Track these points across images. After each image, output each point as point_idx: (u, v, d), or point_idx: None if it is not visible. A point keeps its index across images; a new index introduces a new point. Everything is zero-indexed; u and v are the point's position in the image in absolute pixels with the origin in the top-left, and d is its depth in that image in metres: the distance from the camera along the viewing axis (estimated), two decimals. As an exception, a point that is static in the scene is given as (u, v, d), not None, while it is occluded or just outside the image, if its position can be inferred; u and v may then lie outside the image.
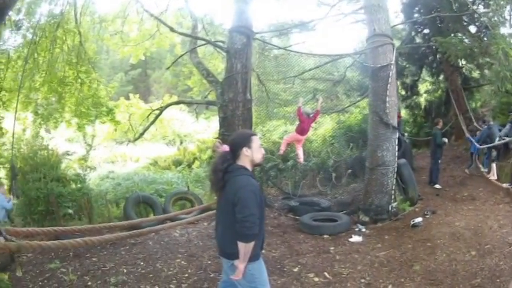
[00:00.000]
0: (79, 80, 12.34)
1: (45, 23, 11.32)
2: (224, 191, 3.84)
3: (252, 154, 3.87)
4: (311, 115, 10.08)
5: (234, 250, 3.67)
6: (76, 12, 11.85)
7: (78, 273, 7.20)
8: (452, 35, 12.40)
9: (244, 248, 3.61)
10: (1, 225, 9.13)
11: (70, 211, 10.28)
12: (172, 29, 12.68)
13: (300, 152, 10.47)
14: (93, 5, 13.77)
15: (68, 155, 12.31)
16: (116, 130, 16.01)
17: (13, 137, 7.91)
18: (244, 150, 3.83)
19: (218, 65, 15.92)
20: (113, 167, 19.66)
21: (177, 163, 20.66)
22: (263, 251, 4.20)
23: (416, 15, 16.09)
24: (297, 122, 10.48)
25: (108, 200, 11.54)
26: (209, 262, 7.47)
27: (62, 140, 18.05)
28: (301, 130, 10.13)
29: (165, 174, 16.51)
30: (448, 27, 13.74)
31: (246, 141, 3.86)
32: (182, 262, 7.60)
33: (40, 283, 6.86)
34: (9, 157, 10.97)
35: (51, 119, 12.62)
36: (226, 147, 4.19)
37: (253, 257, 3.79)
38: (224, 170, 3.82)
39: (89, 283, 6.79)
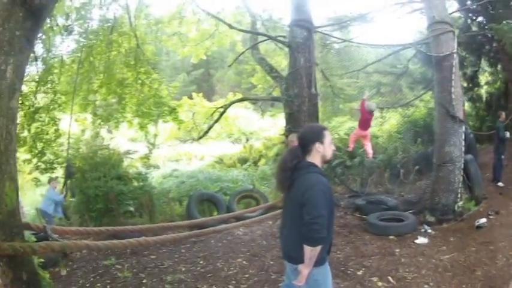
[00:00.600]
0: (139, 81, 12.48)
1: (98, 27, 11.54)
2: (292, 189, 3.53)
3: (324, 150, 3.54)
4: (373, 111, 9.66)
5: (299, 254, 3.37)
6: (130, 16, 11.97)
7: (134, 270, 7.26)
8: (505, 22, 11.47)
9: (310, 252, 3.30)
10: (48, 220, 9.40)
11: (131, 208, 10.46)
12: (231, 26, 12.58)
13: (368, 147, 10.02)
14: (147, 8, 13.87)
15: (130, 154, 12.53)
16: (179, 129, 16.12)
17: (69, 138, 8.05)
18: (317, 145, 3.51)
19: (281, 62, 15.61)
20: (178, 165, 19.86)
21: (243, 161, 20.50)
22: (329, 254, 3.85)
23: (468, 2, 15.07)
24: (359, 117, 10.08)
25: (170, 198, 11.63)
26: (271, 263, 7.25)
27: (125, 139, 18.41)
28: (363, 124, 9.71)
29: (231, 172, 16.47)
30: (500, 13, 12.79)
31: (318, 136, 3.54)
32: (243, 262, 7.45)
33: (92, 279, 6.96)
34: (67, 157, 11.25)
35: (112, 120, 12.80)
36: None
37: (319, 262, 3.44)
38: (293, 168, 3.52)
39: (144, 280, 6.80)
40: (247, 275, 6.78)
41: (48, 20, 9.57)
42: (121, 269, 7.30)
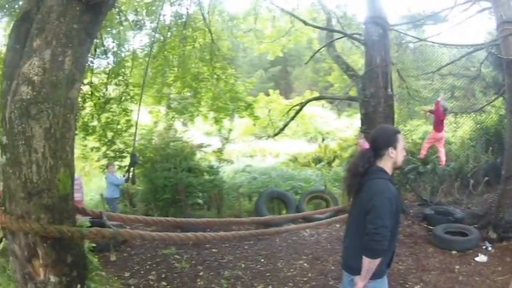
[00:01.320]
0: (215, 76, 12.61)
1: (170, 22, 11.77)
2: (359, 195, 3.38)
3: (396, 156, 3.35)
4: (447, 110, 9.24)
5: (358, 264, 3.22)
6: (203, 12, 12.12)
7: (193, 262, 7.35)
8: None
9: (368, 264, 3.15)
10: (113, 208, 9.71)
11: (199, 201, 10.64)
12: (306, 23, 12.49)
13: (442, 154, 9.62)
14: (221, 4, 14.01)
15: (203, 147, 12.71)
16: (254, 125, 16.21)
17: (136, 128, 8.32)
18: (390, 150, 3.32)
19: (358, 61, 15.32)
20: (251, 161, 19.79)
21: (317, 160, 20.10)
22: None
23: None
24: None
25: (240, 193, 11.63)
26: (332, 268, 7.08)
27: (200, 133, 18.74)
28: (437, 126, 9.31)
29: (304, 171, 16.24)
30: None
31: (392, 141, 3.34)
32: (305, 264, 7.33)
33: (147, 266, 7.15)
34: (138, 147, 11.57)
35: (186, 113, 13.05)
36: (367, 145, 3.71)
37: (377, 275, 3.28)
38: (364, 173, 3.34)
39: (201, 273, 6.88)
40: (305, 278, 6.68)
41: (117, 16, 9.99)
42: (179, 259, 7.44)
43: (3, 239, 5.76)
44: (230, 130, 13.37)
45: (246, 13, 15.14)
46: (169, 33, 11.57)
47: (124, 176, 9.19)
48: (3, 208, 2.79)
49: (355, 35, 12.04)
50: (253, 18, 14.95)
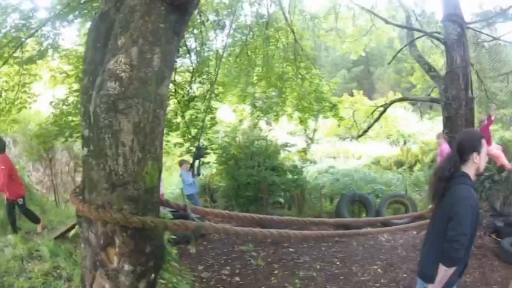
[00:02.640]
0: (299, 76, 12.54)
1: (252, 23, 11.85)
2: (442, 201, 3.28)
3: (480, 161, 3.25)
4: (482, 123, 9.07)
5: (433, 272, 3.15)
6: (284, 11, 12.12)
7: (269, 259, 7.39)
8: None
9: (444, 273, 3.08)
10: (194, 203, 9.88)
11: (281, 200, 10.67)
12: (386, 21, 12.22)
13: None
14: (301, 3, 14.00)
15: (287, 146, 12.73)
16: (339, 126, 16.06)
17: (203, 124, 8.54)
18: (474, 155, 3.22)
19: (438, 60, 14.77)
20: (334, 162, 19.52)
21: (399, 164, 19.68)
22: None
23: None
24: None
25: (322, 194, 11.52)
26: (404, 276, 6.89)
27: (283, 132, 18.79)
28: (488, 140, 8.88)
29: (385, 175, 15.92)
30: None
31: (477, 146, 3.24)
32: (378, 270, 7.17)
33: (222, 261, 7.27)
34: (221, 144, 11.86)
35: (271, 112, 13.08)
36: (446, 146, 3.61)
37: (448, 284, 3.18)
38: (449, 177, 3.26)
39: (275, 271, 6.89)
40: (377, 284, 6.56)
41: (198, 16, 10.19)
42: (256, 256, 7.50)
43: (76, 227, 6.18)
44: (315, 130, 13.25)
45: (327, 12, 15.04)
46: (250, 33, 11.66)
47: (190, 169, 9.37)
48: (80, 198, 2.91)
49: (434, 34, 11.64)
50: (333, 17, 14.84)
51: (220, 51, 10.73)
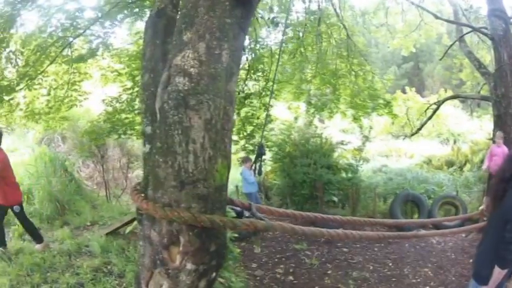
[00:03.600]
0: (352, 73, 12.34)
1: (304, 19, 11.58)
2: (501, 202, 3.26)
3: None
4: None
5: (487, 273, 3.14)
6: (335, 7, 11.90)
7: (323, 259, 7.35)
8: None
9: (497, 275, 3.07)
10: (251, 198, 9.82)
11: (335, 198, 10.54)
12: (436, 16, 11.96)
13: None
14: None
15: (343, 144, 12.57)
16: (393, 124, 15.78)
17: (266, 121, 8.45)
18: None
19: (486, 56, 14.29)
20: (387, 161, 19.46)
21: (450, 164, 19.14)
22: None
23: None
24: None
25: (376, 194, 11.37)
26: (453, 279, 6.82)
27: (336, 130, 18.61)
28: None
29: (437, 175, 15.50)
30: None
31: None
32: (429, 273, 7.11)
33: (276, 260, 7.24)
34: (277, 141, 11.81)
35: (326, 110, 12.91)
36: (504, 148, 3.52)
37: (498, 286, 3.19)
38: (509, 178, 3.24)
39: (329, 271, 6.84)
40: (427, 287, 6.51)
41: None
42: (310, 255, 7.46)
43: (132, 224, 6.15)
44: (370, 128, 13.03)
45: (376, 7, 14.85)
46: (303, 30, 11.49)
47: (252, 168, 9.30)
48: (142, 195, 2.87)
49: (482, 29, 11.38)
50: (382, 13, 14.63)
51: (274, 48, 10.68)
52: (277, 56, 9.82)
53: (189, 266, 2.76)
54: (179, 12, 3.02)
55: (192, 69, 2.61)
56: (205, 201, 2.70)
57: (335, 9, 11.80)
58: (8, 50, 8.13)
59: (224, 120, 2.73)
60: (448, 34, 16.48)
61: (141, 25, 9.52)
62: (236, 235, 6.22)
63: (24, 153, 13.58)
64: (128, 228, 6.29)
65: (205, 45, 2.72)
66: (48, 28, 8.14)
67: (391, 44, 16.10)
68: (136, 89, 9.19)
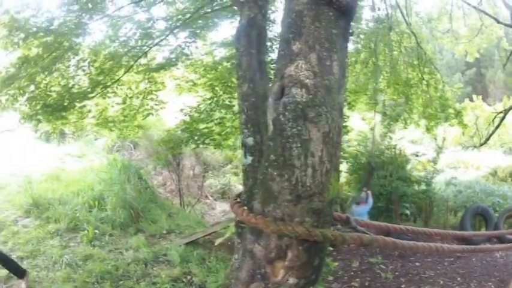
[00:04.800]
0: (424, 82, 12.07)
1: (373, 27, 11.41)
2: None
3: None
4: None
5: None
6: (403, 14, 11.60)
7: (396, 273, 7.27)
8: None
9: None
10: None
11: (407, 211, 10.45)
12: (497, 21, 11.70)
13: None
14: (416, 5, 13.42)
15: (417, 156, 12.46)
16: (463, 134, 15.36)
17: (373, 134, 8.40)
18: None
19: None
20: (455, 172, 18.95)
21: (514, 175, 18.61)
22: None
23: None
24: None
25: (448, 207, 11.25)
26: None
27: (406, 141, 18.39)
28: None
29: (502, 187, 15.14)
30: None
31: None
32: (492, 287, 7.07)
33: (352, 272, 7.20)
34: (353, 153, 11.73)
35: (400, 120, 12.65)
36: None
37: None
38: None
39: (403, 286, 6.81)
40: None
41: None
42: (384, 269, 7.39)
43: (225, 236, 5.99)
44: (444, 139, 12.73)
45: (440, 12, 14.56)
46: (374, 39, 11.33)
47: (364, 191, 9.13)
48: (245, 208, 2.84)
49: None
50: (446, 18, 14.28)
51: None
52: (349, 66, 9.72)
53: (292, 280, 2.70)
54: (281, 21, 3.00)
55: (307, 80, 2.57)
56: (318, 215, 2.64)
57: (403, 16, 11.56)
58: (77, 57, 8.19)
59: (338, 133, 2.68)
60: (507, 36, 15.82)
61: (213, 35, 9.68)
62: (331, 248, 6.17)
63: (93, 160, 14.01)
64: (218, 240, 6.07)
65: (316, 56, 2.67)
66: (119, 38, 8.22)
67: (457, 51, 15.62)
68: (215, 99, 9.28)
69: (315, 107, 2.55)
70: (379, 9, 11.26)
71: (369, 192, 9.42)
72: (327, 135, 2.60)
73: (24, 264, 5.54)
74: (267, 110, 2.78)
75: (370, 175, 8.32)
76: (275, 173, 2.65)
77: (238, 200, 3.12)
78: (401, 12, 11.59)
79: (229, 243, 5.89)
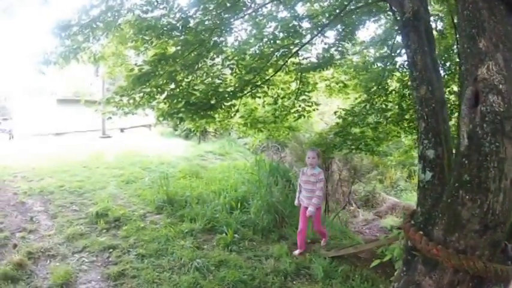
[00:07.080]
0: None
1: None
2: None
3: None
4: None
5: None
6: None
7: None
8: None
9: None
10: None
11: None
12: None
13: None
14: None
15: None
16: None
17: None
18: None
19: None
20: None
21: None
22: None
23: None
24: None
25: None
26: None
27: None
28: None
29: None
30: None
31: None
32: None
33: None
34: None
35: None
36: None
37: None
38: None
39: None
40: None
41: None
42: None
43: (383, 259, 5.37)
44: None
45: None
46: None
47: None
48: (421, 233, 2.43)
49: None
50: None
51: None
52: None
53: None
54: (459, 14, 2.56)
55: (501, 86, 2.11)
56: (495, 248, 2.21)
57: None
58: (221, 56, 7.90)
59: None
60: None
61: (360, 35, 9.10)
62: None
63: (236, 158, 14.00)
64: (374, 262, 5.35)
65: (502, 56, 2.21)
66: (265, 36, 7.87)
67: None
68: (371, 102, 8.86)
69: (510, 119, 2.07)
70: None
71: None
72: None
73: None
74: (460, 119, 2.35)
75: None
76: (467, 197, 2.23)
77: (413, 222, 2.76)
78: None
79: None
